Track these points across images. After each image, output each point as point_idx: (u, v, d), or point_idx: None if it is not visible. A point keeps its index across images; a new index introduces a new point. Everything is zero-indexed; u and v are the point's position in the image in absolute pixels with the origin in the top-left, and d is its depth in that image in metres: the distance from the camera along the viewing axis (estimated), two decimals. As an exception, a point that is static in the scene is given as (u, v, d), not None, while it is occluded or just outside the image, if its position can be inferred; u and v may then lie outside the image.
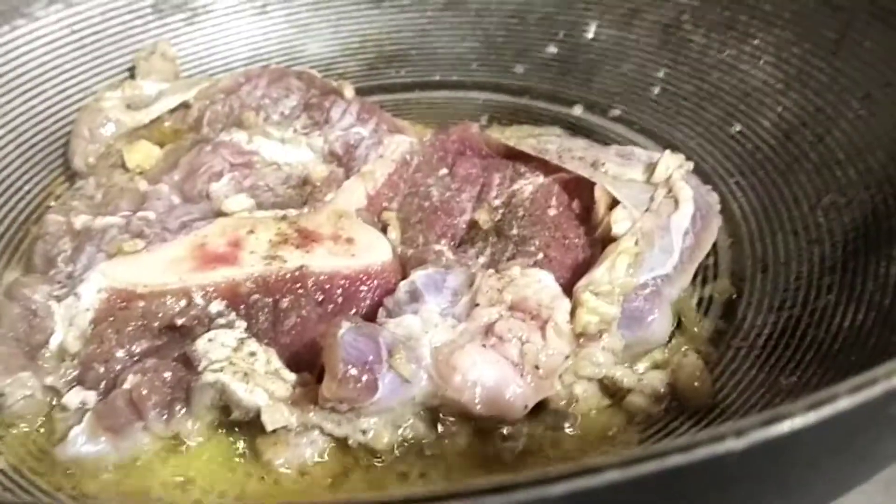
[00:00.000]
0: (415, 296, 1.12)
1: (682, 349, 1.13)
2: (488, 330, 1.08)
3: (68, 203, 1.36)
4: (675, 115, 1.59)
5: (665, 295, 1.15)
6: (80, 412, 1.08)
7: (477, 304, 1.11)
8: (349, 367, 0.99)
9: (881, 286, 1.08)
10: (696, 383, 1.07)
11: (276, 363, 1.08)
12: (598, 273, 1.12)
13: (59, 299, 1.19)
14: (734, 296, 1.23)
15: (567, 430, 1.07)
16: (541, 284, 1.12)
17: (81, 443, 1.04)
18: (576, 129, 1.64)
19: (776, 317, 1.16)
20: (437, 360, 1.05)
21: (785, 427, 0.52)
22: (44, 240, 1.29)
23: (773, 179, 1.38)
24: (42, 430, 1.09)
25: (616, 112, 1.65)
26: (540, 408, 1.07)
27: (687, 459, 0.50)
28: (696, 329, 1.18)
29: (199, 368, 1.06)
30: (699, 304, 1.24)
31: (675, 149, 1.44)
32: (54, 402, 1.12)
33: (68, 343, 1.14)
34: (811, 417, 0.53)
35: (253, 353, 1.08)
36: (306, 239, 1.24)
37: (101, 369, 1.12)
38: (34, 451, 1.07)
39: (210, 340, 1.08)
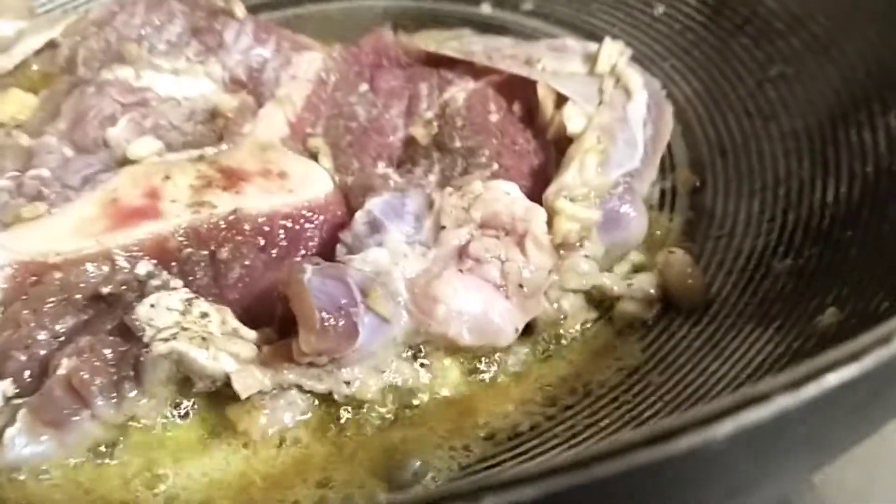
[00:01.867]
0: (375, 226, 1.01)
1: (666, 248, 1.06)
2: (462, 253, 0.98)
3: (-62, 170, 1.16)
4: (591, 3, 1.50)
5: (637, 191, 1.08)
6: (10, 409, 0.92)
7: (443, 227, 1.01)
8: (324, 314, 0.88)
9: (858, 154, 1.04)
10: (688, 281, 1.01)
11: (233, 322, 0.95)
12: (569, 177, 1.04)
13: (-47, 283, 1.01)
14: (697, 184, 1.17)
15: (562, 350, 1.00)
16: (509, 197, 1.02)
17: (21, 445, 0.89)
18: (488, 27, 1.53)
19: (749, 201, 1.11)
20: (415, 294, 0.94)
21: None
22: (-84, 215, 1.10)
23: (710, 58, 1.32)
24: (-34, 437, 0.93)
25: (528, 6, 1.55)
26: (528, 330, 0.99)
27: (860, 369, 0.42)
28: (667, 224, 1.12)
29: (146, 339, 0.92)
30: (663, 197, 1.17)
31: (598, 38, 1.35)
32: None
33: (-24, 332, 0.97)
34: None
35: (205, 314, 0.94)
36: (232, 178, 1.10)
37: (23, 357, 0.96)
38: (-38, 462, 0.91)
39: (152, 306, 0.94)
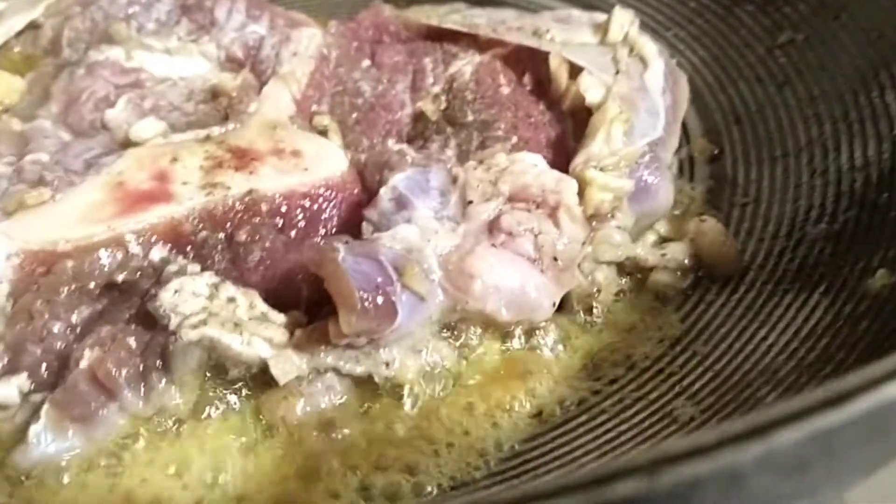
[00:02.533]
0: (401, 202, 0.98)
1: (695, 216, 1.05)
2: (492, 227, 0.95)
3: (-73, 158, 1.10)
4: (587, -28, 1.48)
5: (663, 159, 1.06)
6: (30, 405, 0.88)
7: (470, 202, 0.98)
8: (363, 293, 0.84)
9: (884, 116, 1.03)
10: (722, 248, 1.00)
11: (262, 306, 0.92)
12: (596, 147, 1.02)
13: (-44, 276, 0.96)
14: (715, 152, 1.16)
15: (597, 323, 0.97)
16: (538, 169, 1.00)
17: (46, 442, 0.84)
18: (480, 0, 1.50)
19: (770, 167, 1.10)
20: (448, 270, 0.91)
21: None
22: None
23: (714, 26, 1.31)
24: (-17, 437, 0.88)
25: (521, -23, 1.52)
26: (561, 304, 0.97)
27: None
28: (689, 193, 1.11)
29: (172, 326, 0.88)
30: (681, 167, 1.16)
31: (596, 7, 1.34)
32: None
33: (-14, 326, 0.92)
34: None
35: (232, 299, 0.90)
36: (244, 158, 1.06)
37: (38, 350, 0.91)
38: (-19, 463, 0.86)
39: (177, 292, 0.90)
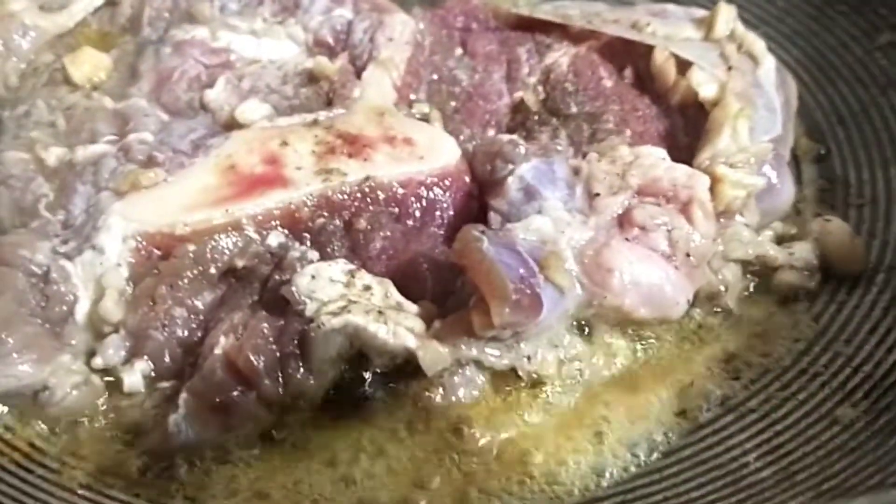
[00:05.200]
0: (530, 193, 0.96)
1: (818, 216, 1.03)
2: (623, 221, 0.93)
3: (21, 135, 1.05)
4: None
5: (783, 157, 1.05)
6: (160, 394, 0.85)
7: (597, 194, 0.96)
8: (513, 285, 0.82)
9: None
10: (850, 248, 0.98)
11: (396, 295, 0.89)
12: (722, 143, 1.00)
13: (69, 257, 0.92)
14: (822, 152, 1.15)
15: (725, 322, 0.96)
16: (666, 163, 0.98)
17: (186, 431, 0.81)
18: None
19: (884, 169, 1.09)
20: (585, 264, 0.89)
21: None
22: (7, 185, 1.00)
23: (807, 25, 1.29)
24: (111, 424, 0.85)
25: (594, -32, 1.49)
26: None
27: None
28: (801, 193, 1.09)
29: (309, 312, 0.85)
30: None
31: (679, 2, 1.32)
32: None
33: (107, 310, 0.89)
34: None
35: (368, 287, 0.88)
36: (356, 145, 1.03)
37: (161, 336, 0.89)
38: (112, 452, 0.83)
39: (313, 277, 0.87)
